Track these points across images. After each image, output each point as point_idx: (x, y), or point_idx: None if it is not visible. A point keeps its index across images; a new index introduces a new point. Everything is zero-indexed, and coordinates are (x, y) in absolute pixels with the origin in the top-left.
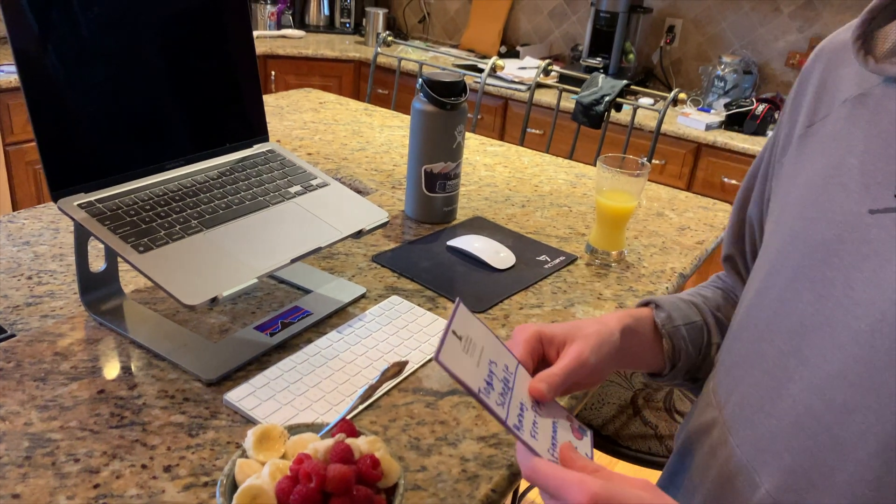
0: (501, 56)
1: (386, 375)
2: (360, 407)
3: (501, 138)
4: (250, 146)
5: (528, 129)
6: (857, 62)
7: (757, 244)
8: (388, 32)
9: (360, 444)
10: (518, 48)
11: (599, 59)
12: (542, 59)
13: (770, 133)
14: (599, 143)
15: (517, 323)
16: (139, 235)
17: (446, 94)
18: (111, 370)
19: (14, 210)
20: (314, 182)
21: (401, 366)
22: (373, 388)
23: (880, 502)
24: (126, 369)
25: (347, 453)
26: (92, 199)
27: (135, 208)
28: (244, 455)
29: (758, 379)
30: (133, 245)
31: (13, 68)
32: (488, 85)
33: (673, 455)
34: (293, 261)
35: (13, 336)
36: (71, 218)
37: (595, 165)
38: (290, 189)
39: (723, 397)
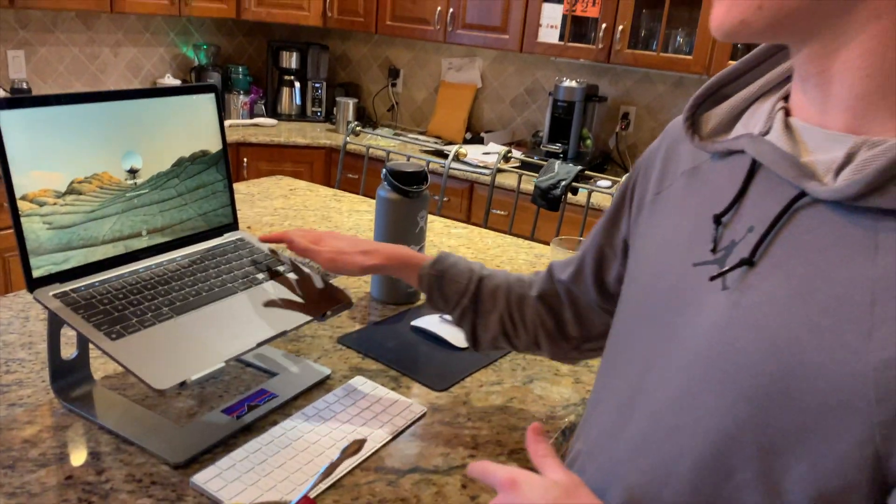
0: (466, 142)
1: (346, 454)
2: (323, 486)
3: (468, 219)
4: (220, 235)
5: (494, 211)
6: (688, 140)
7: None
8: (356, 122)
9: None
10: (482, 134)
11: (559, 144)
12: (506, 144)
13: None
14: (558, 224)
15: (478, 401)
16: (112, 323)
17: (409, 182)
18: (79, 456)
19: None
20: (281, 269)
21: (359, 444)
22: (333, 466)
23: None
24: (94, 454)
25: None
26: (67, 288)
27: (108, 297)
28: None
29: (611, 409)
30: (106, 332)
31: None
32: (455, 169)
33: None
34: (259, 344)
35: None
36: (45, 307)
37: None
38: (257, 276)
39: (586, 430)
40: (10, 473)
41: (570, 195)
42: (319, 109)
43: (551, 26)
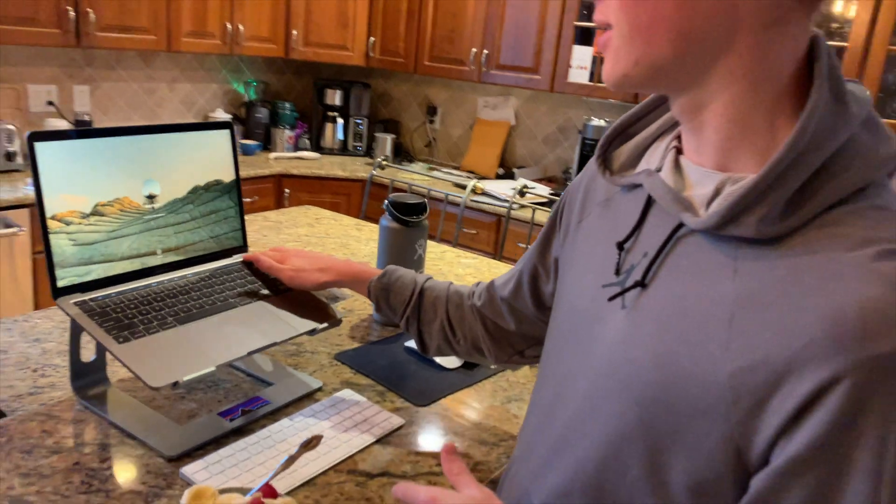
0: (499, 177)
1: (304, 447)
2: (297, 483)
3: (496, 251)
4: (230, 256)
5: (519, 244)
6: (600, 175)
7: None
8: (383, 157)
9: (276, 503)
10: (514, 170)
11: None
12: (537, 180)
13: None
14: None
15: (455, 417)
16: (121, 329)
17: (408, 213)
18: (88, 446)
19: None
20: (282, 287)
21: (317, 439)
22: (292, 459)
23: None
24: (101, 446)
25: None
26: (86, 298)
27: (121, 306)
28: None
29: (538, 417)
30: (114, 337)
31: None
32: (483, 203)
33: None
34: (250, 353)
35: (7, 416)
36: (66, 314)
37: None
38: (259, 292)
39: (520, 437)
40: (27, 458)
41: None
42: (360, 144)
43: (581, 67)
